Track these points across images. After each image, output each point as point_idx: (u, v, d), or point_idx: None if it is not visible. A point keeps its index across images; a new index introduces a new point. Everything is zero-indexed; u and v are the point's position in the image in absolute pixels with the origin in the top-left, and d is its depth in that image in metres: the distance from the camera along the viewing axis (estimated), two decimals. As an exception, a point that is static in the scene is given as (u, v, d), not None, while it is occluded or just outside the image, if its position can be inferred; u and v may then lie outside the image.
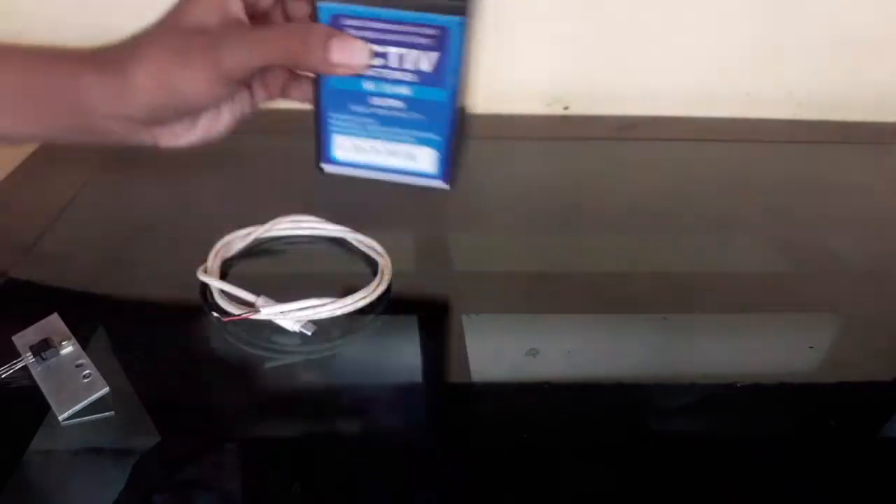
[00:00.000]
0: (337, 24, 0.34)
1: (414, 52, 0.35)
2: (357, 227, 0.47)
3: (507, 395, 0.38)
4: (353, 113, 0.38)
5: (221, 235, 0.46)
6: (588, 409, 0.37)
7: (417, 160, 0.39)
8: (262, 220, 0.47)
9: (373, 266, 0.44)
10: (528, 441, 0.34)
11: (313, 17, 0.35)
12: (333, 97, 0.38)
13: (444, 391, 0.38)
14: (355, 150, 0.39)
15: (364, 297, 0.41)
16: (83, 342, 0.37)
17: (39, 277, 0.44)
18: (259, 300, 0.40)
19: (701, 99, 0.74)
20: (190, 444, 0.33)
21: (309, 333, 0.39)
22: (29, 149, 0.59)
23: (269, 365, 0.38)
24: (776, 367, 0.40)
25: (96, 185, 0.55)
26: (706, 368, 0.40)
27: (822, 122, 0.75)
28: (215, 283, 0.42)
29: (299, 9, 0.35)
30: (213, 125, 0.36)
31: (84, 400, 0.34)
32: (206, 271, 0.43)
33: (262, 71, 0.35)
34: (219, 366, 0.38)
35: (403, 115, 0.37)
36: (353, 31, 0.34)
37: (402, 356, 0.39)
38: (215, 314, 0.40)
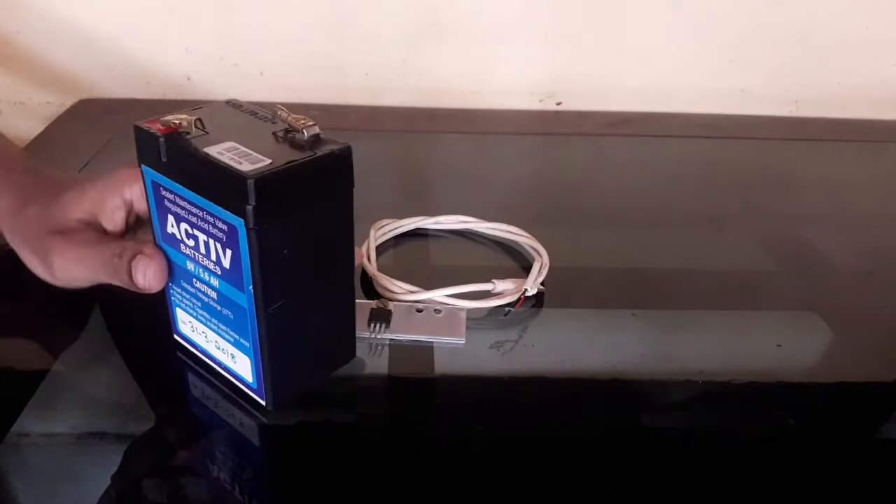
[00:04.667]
0: (157, 193, 0.32)
1: (214, 243, 0.31)
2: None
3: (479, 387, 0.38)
4: (185, 289, 0.35)
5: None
6: (587, 404, 0.37)
7: (237, 362, 0.34)
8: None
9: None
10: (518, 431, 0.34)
11: (144, 182, 0.33)
12: (173, 270, 0.35)
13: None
14: (192, 330, 0.36)
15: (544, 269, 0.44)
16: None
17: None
18: (498, 283, 0.42)
19: (696, 95, 0.73)
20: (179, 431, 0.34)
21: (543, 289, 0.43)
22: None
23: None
24: (769, 366, 0.39)
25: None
26: (695, 365, 0.39)
27: (818, 119, 0.75)
28: (438, 294, 0.42)
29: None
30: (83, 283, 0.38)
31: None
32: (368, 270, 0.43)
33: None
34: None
35: (218, 308, 0.33)
36: (169, 205, 0.32)
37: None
38: (507, 307, 0.42)
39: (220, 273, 0.31)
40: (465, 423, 0.35)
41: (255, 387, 0.34)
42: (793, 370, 0.40)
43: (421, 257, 0.48)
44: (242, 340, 0.33)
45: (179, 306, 0.36)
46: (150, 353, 0.38)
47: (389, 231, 0.48)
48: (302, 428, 0.34)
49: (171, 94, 0.71)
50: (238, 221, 0.29)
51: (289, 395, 0.34)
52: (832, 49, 0.72)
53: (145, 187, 0.33)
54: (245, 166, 0.28)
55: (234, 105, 0.34)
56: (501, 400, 0.37)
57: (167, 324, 0.37)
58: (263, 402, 0.34)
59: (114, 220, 0.37)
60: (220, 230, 0.30)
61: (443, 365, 0.38)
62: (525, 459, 0.33)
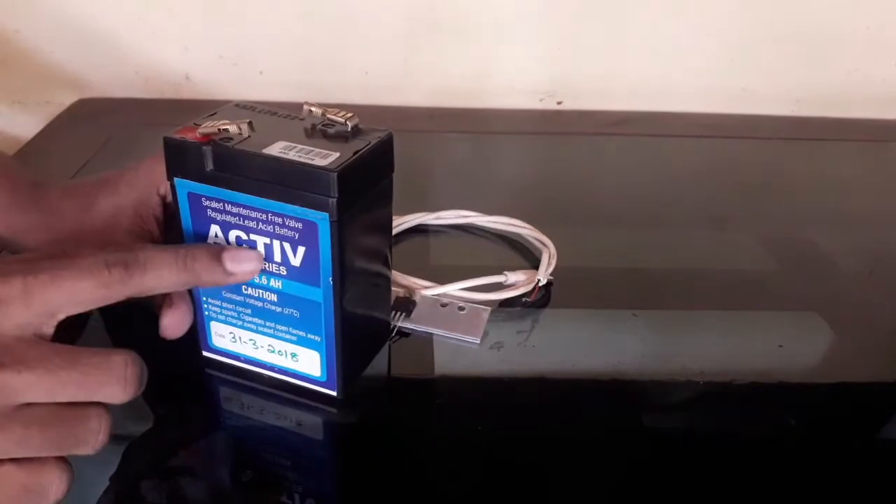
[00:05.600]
0: (197, 205, 0.31)
1: (280, 244, 0.31)
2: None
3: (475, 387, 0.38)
4: (227, 300, 0.34)
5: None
6: (587, 404, 0.36)
7: (300, 360, 0.34)
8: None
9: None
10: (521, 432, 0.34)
11: (174, 195, 0.31)
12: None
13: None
14: (233, 340, 0.35)
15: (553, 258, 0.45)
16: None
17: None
18: (510, 275, 0.42)
19: (696, 95, 0.73)
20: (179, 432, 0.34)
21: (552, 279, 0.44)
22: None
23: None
24: (770, 366, 0.39)
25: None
26: (696, 365, 0.39)
27: (819, 118, 0.75)
28: (453, 288, 0.42)
29: None
30: None
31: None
32: None
33: None
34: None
35: (279, 309, 0.33)
36: (214, 215, 0.31)
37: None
38: (524, 298, 0.42)
39: (285, 273, 0.31)
40: (465, 423, 0.35)
41: (323, 380, 0.34)
42: (794, 370, 0.40)
43: (427, 253, 0.48)
44: (311, 336, 0.33)
45: (216, 320, 0.35)
46: (176, 372, 0.36)
47: (393, 227, 0.48)
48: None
49: (169, 94, 0.71)
50: (318, 216, 0.29)
51: (353, 383, 0.35)
52: (833, 48, 0.72)
53: (176, 202, 0.32)
54: (319, 161, 0.29)
55: (246, 107, 0.33)
56: (501, 400, 0.37)
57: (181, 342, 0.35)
58: (334, 393, 0.34)
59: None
60: (292, 229, 0.30)
61: (443, 365, 0.38)
62: (525, 460, 0.33)
